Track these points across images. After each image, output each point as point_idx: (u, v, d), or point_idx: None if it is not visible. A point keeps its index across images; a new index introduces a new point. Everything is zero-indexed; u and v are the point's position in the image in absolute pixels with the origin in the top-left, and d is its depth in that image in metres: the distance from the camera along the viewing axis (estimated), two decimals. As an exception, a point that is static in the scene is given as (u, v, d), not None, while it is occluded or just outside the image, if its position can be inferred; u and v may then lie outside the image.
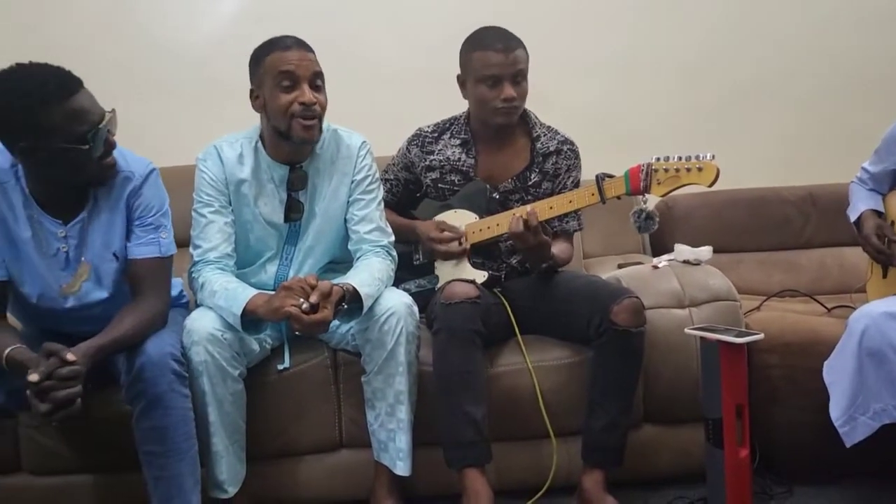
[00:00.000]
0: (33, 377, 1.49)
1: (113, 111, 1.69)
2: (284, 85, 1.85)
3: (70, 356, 1.53)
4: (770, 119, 3.01)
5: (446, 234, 2.10)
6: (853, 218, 2.20)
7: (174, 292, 2.02)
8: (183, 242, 2.01)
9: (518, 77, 2.03)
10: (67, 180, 1.70)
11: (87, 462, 1.95)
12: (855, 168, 2.26)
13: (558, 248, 2.11)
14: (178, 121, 2.77)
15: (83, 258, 1.76)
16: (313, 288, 1.76)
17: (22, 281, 1.76)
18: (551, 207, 2.00)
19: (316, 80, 1.89)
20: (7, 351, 1.59)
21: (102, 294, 1.80)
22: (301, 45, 1.90)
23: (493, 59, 2.00)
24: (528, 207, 1.95)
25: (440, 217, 2.15)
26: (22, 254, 1.73)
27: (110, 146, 1.69)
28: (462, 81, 2.11)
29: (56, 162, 1.63)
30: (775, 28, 2.98)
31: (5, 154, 1.69)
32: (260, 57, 1.90)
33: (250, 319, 1.81)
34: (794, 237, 2.79)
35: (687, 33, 2.96)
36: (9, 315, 1.81)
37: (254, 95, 1.93)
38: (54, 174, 1.67)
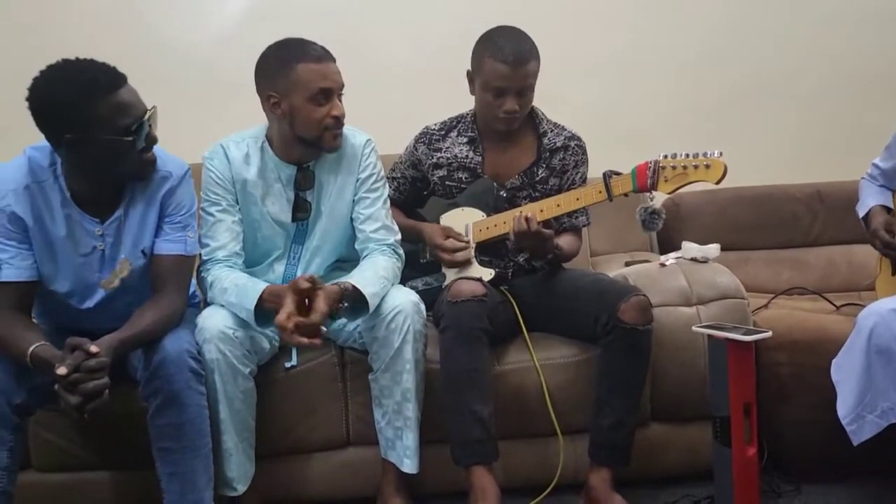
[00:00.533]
0: (61, 370, 1.51)
1: (154, 108, 1.72)
2: (319, 99, 1.86)
3: (94, 348, 1.55)
4: (776, 117, 3.00)
5: (451, 241, 2.09)
6: (862, 214, 2.19)
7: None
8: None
9: (524, 90, 2.02)
10: (110, 174, 1.73)
11: (96, 459, 1.96)
12: (863, 165, 2.25)
13: (565, 241, 2.11)
14: (184, 120, 2.75)
15: (122, 255, 1.79)
16: (312, 283, 1.77)
17: (52, 279, 1.78)
18: (558, 205, 2.00)
19: (341, 91, 1.92)
20: (32, 348, 1.60)
21: (126, 291, 1.82)
22: (329, 55, 1.89)
23: (502, 72, 1.98)
24: (530, 213, 1.94)
25: (447, 216, 2.15)
26: (56, 252, 1.75)
27: (152, 140, 1.72)
28: (471, 78, 2.10)
29: (101, 154, 1.66)
30: (779, 26, 2.97)
31: (44, 152, 1.72)
32: (288, 63, 1.85)
33: (263, 312, 1.82)
34: (802, 234, 2.78)
35: (690, 32, 2.95)
36: None
37: (273, 101, 1.89)
38: (98, 167, 1.70)
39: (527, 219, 1.92)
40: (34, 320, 1.85)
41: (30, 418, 1.75)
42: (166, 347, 1.68)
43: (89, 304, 1.82)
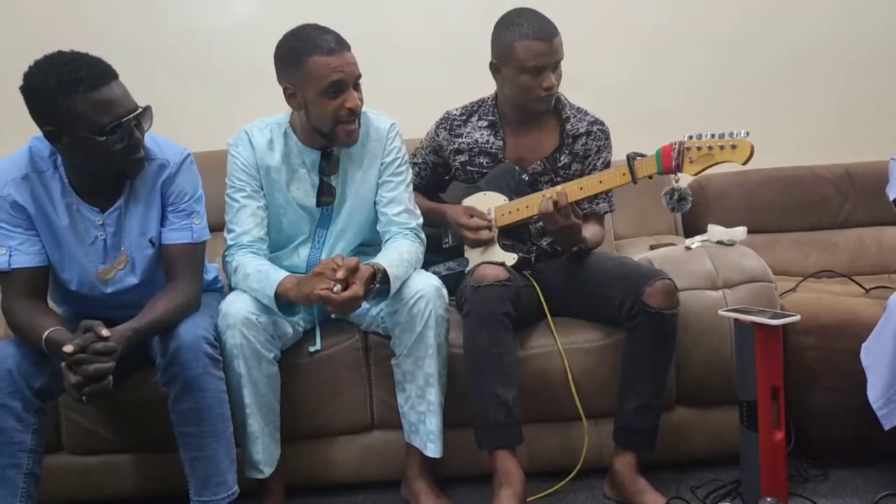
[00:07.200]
0: (67, 348, 1.54)
1: (147, 107, 1.70)
2: (332, 92, 1.84)
3: (105, 332, 1.57)
4: (805, 96, 2.94)
5: (475, 220, 2.08)
6: (892, 196, 2.15)
7: (209, 277, 2.05)
8: (217, 227, 2.03)
9: (558, 64, 2.02)
10: (94, 170, 1.72)
11: (126, 442, 1.99)
12: (894, 145, 2.21)
13: (589, 231, 2.08)
14: (207, 105, 2.78)
15: (122, 247, 1.79)
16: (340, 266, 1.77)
17: (61, 268, 1.79)
18: (581, 188, 1.98)
19: (357, 81, 1.89)
20: (47, 333, 1.63)
21: (137, 280, 1.83)
22: (342, 44, 1.84)
23: (538, 49, 1.96)
24: (558, 188, 1.94)
25: (469, 200, 2.14)
26: (60, 241, 1.77)
27: (136, 142, 1.68)
28: (496, 67, 2.07)
29: (79, 150, 1.66)
30: (808, 3, 2.91)
31: (45, 142, 1.72)
32: (299, 57, 1.83)
33: (285, 301, 1.83)
34: (830, 216, 2.74)
35: (715, 9, 2.90)
36: (48, 300, 1.84)
37: (289, 93, 1.89)
38: (81, 163, 1.70)
39: (554, 199, 1.89)
40: (58, 308, 1.88)
41: (52, 402, 1.78)
42: (181, 335, 1.70)
43: (102, 292, 1.82)
